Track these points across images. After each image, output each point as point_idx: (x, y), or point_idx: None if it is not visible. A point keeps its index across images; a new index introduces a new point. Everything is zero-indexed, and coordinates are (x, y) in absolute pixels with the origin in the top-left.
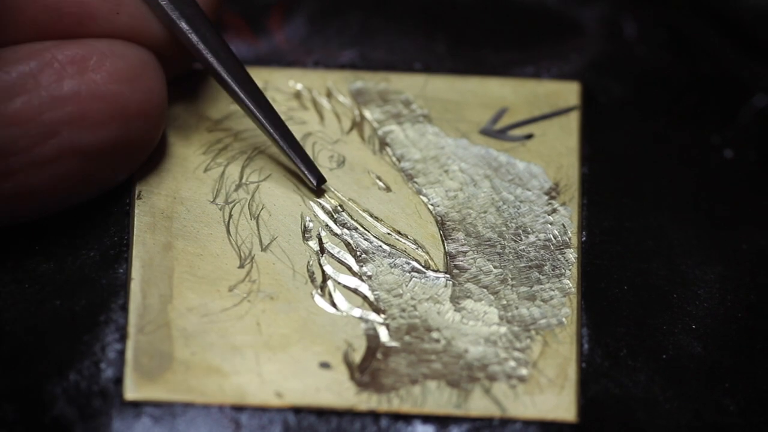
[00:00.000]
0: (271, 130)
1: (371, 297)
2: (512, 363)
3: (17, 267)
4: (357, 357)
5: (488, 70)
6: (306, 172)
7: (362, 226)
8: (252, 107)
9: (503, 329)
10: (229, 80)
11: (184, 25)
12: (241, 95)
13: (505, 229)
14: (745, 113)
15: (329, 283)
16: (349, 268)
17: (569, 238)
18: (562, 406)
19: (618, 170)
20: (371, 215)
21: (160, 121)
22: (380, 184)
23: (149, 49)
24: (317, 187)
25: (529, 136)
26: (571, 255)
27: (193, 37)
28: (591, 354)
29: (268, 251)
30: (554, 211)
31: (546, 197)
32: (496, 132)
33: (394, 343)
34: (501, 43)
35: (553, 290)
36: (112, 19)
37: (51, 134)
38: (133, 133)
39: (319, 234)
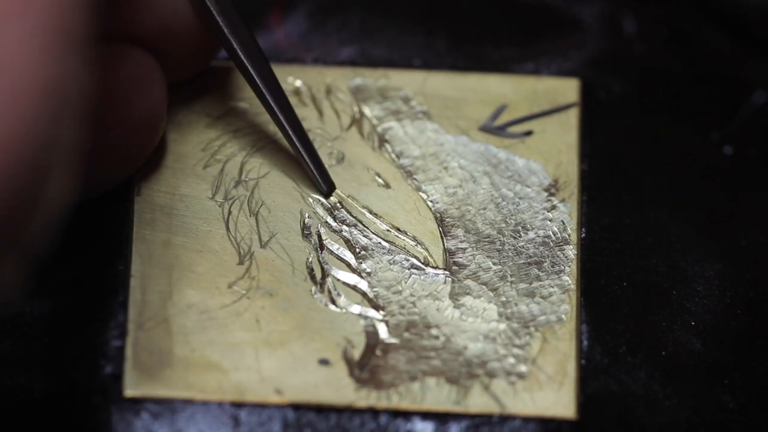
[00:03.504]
0: (290, 132)
1: (370, 294)
2: (511, 360)
3: None
4: (356, 354)
5: (488, 66)
6: (318, 178)
7: (361, 223)
8: (274, 107)
9: (502, 326)
10: (256, 77)
11: (220, 23)
12: (266, 95)
13: (504, 225)
14: (744, 110)
15: (328, 279)
16: (349, 265)
17: (569, 235)
18: (562, 403)
19: (617, 167)
20: (370, 212)
21: (160, 128)
22: (379, 180)
23: (182, 43)
24: (327, 195)
25: (529, 133)
26: (571, 252)
27: (226, 31)
28: (590, 351)
29: (268, 248)
30: (554, 207)
31: (545, 194)
32: (495, 129)
33: (393, 340)
34: (500, 40)
35: (553, 287)
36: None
37: None
38: (135, 138)
39: (318, 231)
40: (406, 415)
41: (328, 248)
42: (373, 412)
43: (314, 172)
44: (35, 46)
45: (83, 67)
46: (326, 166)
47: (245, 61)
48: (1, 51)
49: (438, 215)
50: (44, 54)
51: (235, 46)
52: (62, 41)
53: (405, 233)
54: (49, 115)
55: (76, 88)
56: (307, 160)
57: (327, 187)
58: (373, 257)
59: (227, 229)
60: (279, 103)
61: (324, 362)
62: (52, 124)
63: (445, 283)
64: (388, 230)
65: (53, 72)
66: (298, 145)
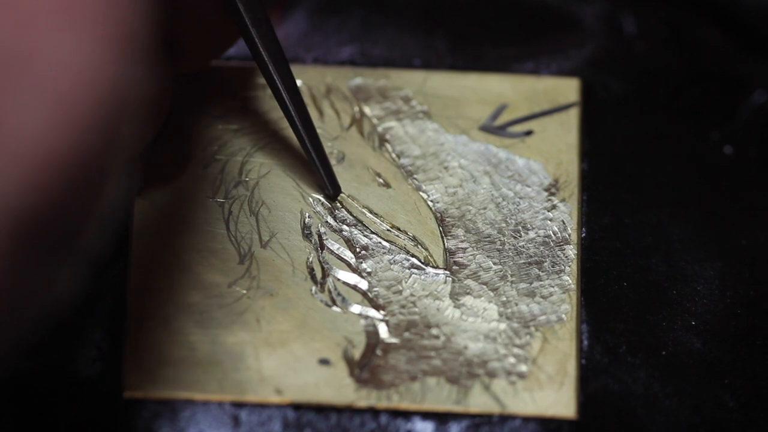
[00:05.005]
0: (302, 131)
1: (371, 293)
2: (512, 359)
3: None
4: (356, 353)
5: (488, 66)
6: (326, 180)
7: (362, 223)
8: (289, 105)
9: (503, 326)
10: (275, 76)
11: (243, 13)
12: (283, 93)
13: (504, 225)
14: (744, 109)
15: (329, 279)
16: (349, 265)
17: (569, 235)
18: (562, 402)
19: (617, 166)
20: (371, 211)
21: (159, 116)
22: (380, 180)
23: (198, 31)
24: (333, 198)
25: (529, 133)
26: (571, 251)
27: (248, 23)
28: (590, 350)
29: (268, 248)
30: (554, 207)
31: (546, 193)
32: (495, 128)
33: (393, 340)
34: (500, 40)
35: (553, 287)
36: None
37: None
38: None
39: (318, 230)
40: (407, 414)
41: (328, 248)
42: (374, 412)
43: (322, 173)
44: (96, 52)
45: (143, 72)
46: None
47: (264, 56)
48: (61, 56)
49: (438, 215)
50: (104, 60)
51: (257, 40)
52: (123, 47)
53: (405, 233)
54: (107, 120)
55: (135, 92)
56: (317, 161)
57: (333, 190)
58: (374, 257)
59: (227, 228)
60: (294, 101)
61: (324, 362)
62: (110, 128)
63: (445, 282)
64: (388, 230)
65: (112, 77)
66: (308, 145)
